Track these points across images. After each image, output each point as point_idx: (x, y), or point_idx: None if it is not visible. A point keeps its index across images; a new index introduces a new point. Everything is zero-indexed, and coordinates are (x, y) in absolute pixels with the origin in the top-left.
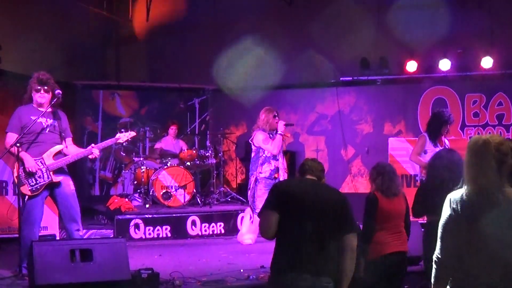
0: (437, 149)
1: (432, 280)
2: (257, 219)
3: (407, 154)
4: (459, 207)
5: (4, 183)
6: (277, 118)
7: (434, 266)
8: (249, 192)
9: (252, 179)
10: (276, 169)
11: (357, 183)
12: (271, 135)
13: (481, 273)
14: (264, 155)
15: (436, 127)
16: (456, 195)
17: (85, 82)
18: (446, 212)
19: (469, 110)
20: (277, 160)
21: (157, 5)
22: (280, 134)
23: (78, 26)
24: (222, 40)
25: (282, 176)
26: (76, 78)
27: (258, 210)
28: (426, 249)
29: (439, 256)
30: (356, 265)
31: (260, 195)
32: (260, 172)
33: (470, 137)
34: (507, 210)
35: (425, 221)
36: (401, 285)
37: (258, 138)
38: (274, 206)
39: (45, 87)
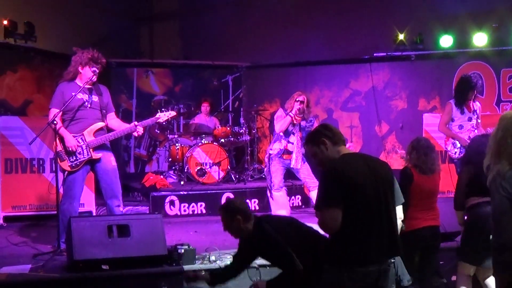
0: (464, 116)
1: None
2: (276, 196)
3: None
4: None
5: (41, 161)
6: (298, 102)
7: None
8: (265, 169)
9: (266, 156)
10: (285, 150)
11: (391, 159)
12: (286, 115)
13: None
14: (277, 133)
15: (463, 93)
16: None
17: (119, 59)
18: (495, 196)
19: (505, 85)
20: (291, 142)
21: None
22: (289, 115)
23: (112, 4)
24: (256, 16)
25: (295, 159)
26: (110, 56)
27: (275, 186)
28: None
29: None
30: None
31: (274, 171)
32: (271, 149)
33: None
34: None
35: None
36: (434, 258)
37: (276, 114)
38: (337, 202)
39: (99, 66)
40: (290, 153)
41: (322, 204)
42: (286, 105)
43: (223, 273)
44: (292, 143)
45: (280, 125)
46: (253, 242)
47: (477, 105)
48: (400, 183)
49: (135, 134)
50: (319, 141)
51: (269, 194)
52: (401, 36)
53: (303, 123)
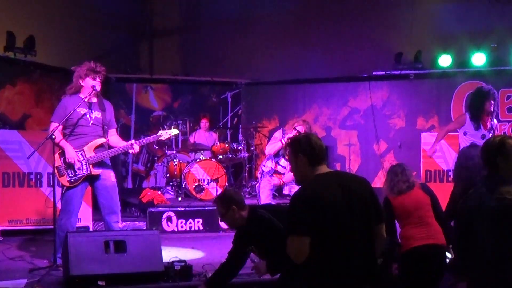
0: (478, 133)
1: None
2: None
3: (440, 149)
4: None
5: (38, 175)
6: (296, 131)
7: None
8: (256, 184)
9: (259, 171)
10: (275, 171)
11: None
12: (283, 139)
13: None
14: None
15: (477, 105)
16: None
17: (118, 75)
18: None
19: (503, 105)
20: (278, 164)
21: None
22: (281, 141)
23: (112, 19)
24: (255, 33)
25: (284, 181)
26: (109, 71)
27: (262, 203)
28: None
29: None
30: (386, 266)
31: (263, 187)
32: (264, 165)
33: (504, 133)
34: None
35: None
36: (437, 280)
37: (274, 134)
38: (304, 230)
39: (99, 74)
40: (280, 173)
41: (288, 231)
42: (286, 127)
43: (220, 276)
44: (284, 167)
45: (270, 148)
46: (250, 229)
47: (494, 123)
48: (385, 214)
49: (131, 151)
50: (296, 154)
51: None
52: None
53: None
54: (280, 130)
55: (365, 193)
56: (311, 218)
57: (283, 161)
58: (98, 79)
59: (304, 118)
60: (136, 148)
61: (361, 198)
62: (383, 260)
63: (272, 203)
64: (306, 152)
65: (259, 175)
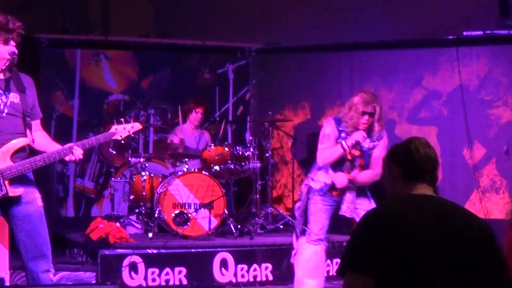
0: None
1: None
2: (308, 251)
3: None
4: None
5: None
6: (366, 116)
7: None
8: (297, 204)
9: (304, 187)
10: (330, 187)
11: (489, 203)
12: (342, 135)
13: None
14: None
15: None
16: None
17: (53, 36)
18: None
19: None
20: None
21: None
22: (342, 146)
23: None
24: None
25: (349, 202)
26: (38, 30)
27: (311, 235)
28: None
29: None
30: None
31: (315, 212)
32: (313, 179)
33: None
34: None
35: None
36: None
37: (322, 131)
38: (368, 267)
39: (15, 36)
40: (338, 190)
41: (345, 266)
42: (342, 114)
43: None
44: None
45: (324, 155)
46: None
47: None
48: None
49: (71, 159)
50: (389, 164)
51: (294, 246)
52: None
53: (365, 143)
54: (330, 120)
55: (487, 239)
56: (379, 253)
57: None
58: (12, 42)
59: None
60: (79, 153)
61: (468, 243)
62: None
63: (325, 242)
64: (401, 162)
65: (303, 190)
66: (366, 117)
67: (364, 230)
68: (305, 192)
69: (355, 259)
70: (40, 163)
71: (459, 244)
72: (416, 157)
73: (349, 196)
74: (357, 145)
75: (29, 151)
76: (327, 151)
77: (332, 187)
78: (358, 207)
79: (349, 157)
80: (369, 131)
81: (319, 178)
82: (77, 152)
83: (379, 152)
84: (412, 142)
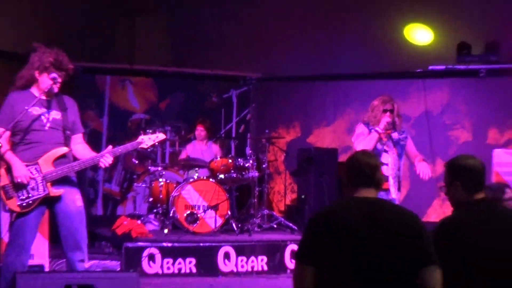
0: None
1: None
2: None
3: None
4: None
5: None
6: (388, 113)
7: None
8: None
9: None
10: None
11: (447, 208)
12: (370, 131)
13: None
14: None
15: None
16: None
17: (87, 64)
18: None
19: None
20: (384, 164)
21: None
22: (376, 130)
23: None
24: (271, 14)
25: (391, 185)
26: (75, 59)
27: None
28: None
29: None
30: None
31: None
32: None
33: None
34: None
35: None
36: None
37: (356, 132)
38: (308, 257)
39: (63, 73)
40: (385, 179)
41: (294, 257)
42: (366, 117)
43: None
44: (387, 164)
45: (364, 145)
46: None
47: None
48: None
49: (104, 164)
50: (342, 173)
51: None
52: (467, 45)
53: (394, 135)
54: (360, 124)
55: (410, 229)
56: (319, 247)
57: (386, 158)
58: (58, 78)
59: (337, 125)
60: (109, 160)
61: (396, 234)
62: None
63: None
64: (347, 174)
65: None
66: (388, 114)
67: (308, 228)
68: None
69: (300, 252)
70: (76, 168)
71: (385, 234)
72: (356, 166)
73: (391, 177)
74: (388, 127)
75: (71, 158)
76: (364, 141)
77: None
78: None
79: (383, 138)
80: (393, 125)
81: None
82: (108, 159)
83: (410, 144)
84: (355, 154)
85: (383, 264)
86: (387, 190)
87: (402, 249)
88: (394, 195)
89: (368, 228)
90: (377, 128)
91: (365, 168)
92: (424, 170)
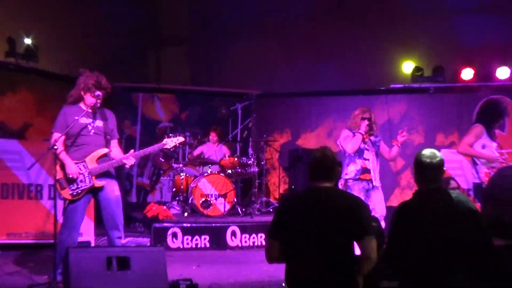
0: (494, 144)
1: None
2: None
3: (460, 167)
4: None
5: (39, 187)
6: (366, 121)
7: None
8: None
9: (340, 183)
10: (363, 169)
11: (406, 196)
12: (354, 134)
13: None
14: (348, 155)
15: (493, 118)
16: None
17: (124, 84)
18: None
19: None
20: (366, 159)
21: (198, 6)
22: (360, 133)
23: (118, 26)
24: (268, 43)
25: (374, 176)
26: (114, 80)
27: None
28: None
29: None
30: None
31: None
32: (346, 174)
33: None
34: None
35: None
36: None
37: (341, 136)
38: (274, 234)
39: (103, 91)
40: (368, 171)
41: (266, 233)
42: (349, 124)
43: None
44: (368, 159)
45: (351, 145)
46: None
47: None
48: None
49: (127, 164)
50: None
51: None
52: (420, 68)
53: (372, 138)
54: (345, 130)
55: (347, 209)
56: (280, 226)
57: (368, 154)
58: (101, 95)
59: (318, 132)
60: (131, 161)
61: (337, 214)
62: None
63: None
64: (309, 168)
65: (340, 187)
66: (366, 121)
67: (276, 210)
68: (341, 187)
69: (269, 230)
70: (115, 164)
71: (330, 214)
72: (312, 160)
73: (372, 169)
74: (367, 129)
75: (110, 158)
76: (352, 141)
77: (362, 171)
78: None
79: (366, 139)
80: (370, 128)
81: (351, 169)
82: (130, 160)
83: (383, 145)
84: (314, 150)
85: (328, 237)
86: (369, 180)
87: (344, 225)
88: (377, 183)
89: (318, 211)
90: (360, 131)
91: (320, 162)
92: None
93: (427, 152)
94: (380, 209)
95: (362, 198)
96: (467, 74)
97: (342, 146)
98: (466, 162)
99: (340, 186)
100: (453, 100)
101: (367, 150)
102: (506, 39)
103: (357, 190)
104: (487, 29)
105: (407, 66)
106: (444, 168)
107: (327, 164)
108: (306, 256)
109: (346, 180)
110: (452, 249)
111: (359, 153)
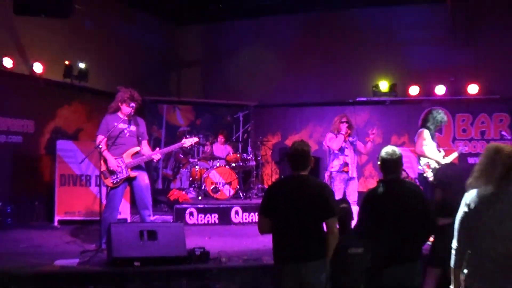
0: (435, 144)
1: (452, 265)
2: None
3: (409, 161)
4: (471, 204)
5: (88, 177)
6: (345, 124)
7: (453, 253)
8: None
9: (327, 175)
10: (345, 163)
11: (369, 184)
12: (337, 136)
13: (486, 255)
14: (333, 152)
15: (433, 124)
16: (470, 194)
17: (152, 97)
18: (461, 209)
19: (458, 127)
20: (346, 155)
21: (209, 37)
22: (342, 134)
23: (148, 52)
24: (264, 63)
25: (351, 169)
26: (145, 94)
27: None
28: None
29: (457, 245)
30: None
31: (337, 190)
32: (332, 167)
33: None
34: (509, 207)
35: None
36: None
37: (327, 138)
38: (263, 212)
39: (136, 102)
40: (347, 165)
41: (258, 211)
42: (332, 129)
43: None
44: (348, 155)
45: (336, 143)
46: None
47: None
48: None
49: (154, 158)
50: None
51: None
52: (378, 86)
53: (350, 138)
54: (329, 133)
55: (318, 194)
56: (268, 205)
57: (347, 151)
58: (134, 105)
59: (302, 134)
60: (158, 156)
61: (310, 198)
62: None
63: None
64: (289, 160)
65: (327, 177)
66: (344, 124)
67: (265, 194)
68: (327, 178)
69: (260, 208)
70: (145, 159)
71: (303, 195)
72: (291, 152)
73: (351, 163)
74: (346, 130)
75: (141, 154)
76: (336, 141)
77: (344, 165)
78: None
79: (346, 138)
80: (349, 129)
81: (335, 164)
82: (157, 156)
83: (359, 143)
84: (294, 143)
85: (304, 216)
86: (348, 172)
87: (314, 206)
88: (353, 174)
89: (295, 196)
90: (342, 133)
91: (297, 154)
92: (371, 138)
93: (389, 149)
94: (353, 196)
95: (343, 187)
96: (414, 90)
97: (328, 146)
98: (413, 157)
99: (326, 177)
100: (403, 110)
101: (347, 148)
102: (443, 64)
103: (339, 180)
104: (429, 57)
105: (412, 90)
106: (403, 162)
107: (304, 154)
108: (287, 231)
109: (331, 172)
110: (405, 223)
111: (341, 150)
